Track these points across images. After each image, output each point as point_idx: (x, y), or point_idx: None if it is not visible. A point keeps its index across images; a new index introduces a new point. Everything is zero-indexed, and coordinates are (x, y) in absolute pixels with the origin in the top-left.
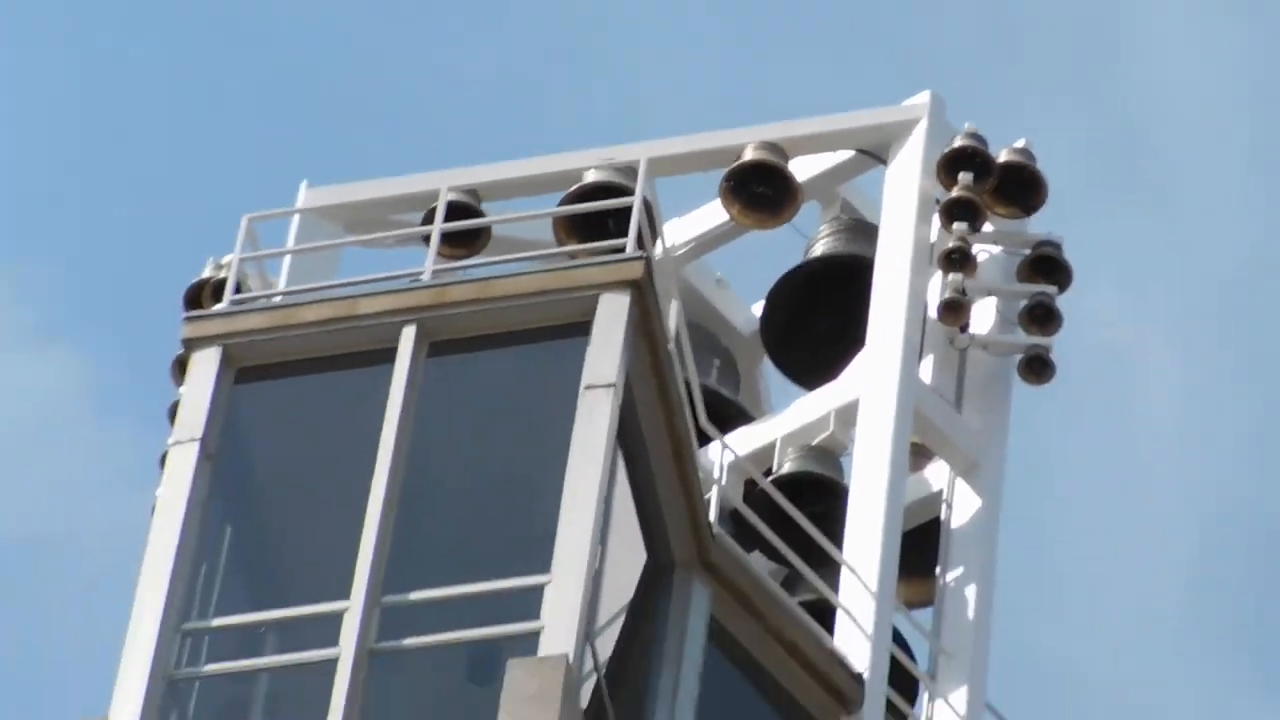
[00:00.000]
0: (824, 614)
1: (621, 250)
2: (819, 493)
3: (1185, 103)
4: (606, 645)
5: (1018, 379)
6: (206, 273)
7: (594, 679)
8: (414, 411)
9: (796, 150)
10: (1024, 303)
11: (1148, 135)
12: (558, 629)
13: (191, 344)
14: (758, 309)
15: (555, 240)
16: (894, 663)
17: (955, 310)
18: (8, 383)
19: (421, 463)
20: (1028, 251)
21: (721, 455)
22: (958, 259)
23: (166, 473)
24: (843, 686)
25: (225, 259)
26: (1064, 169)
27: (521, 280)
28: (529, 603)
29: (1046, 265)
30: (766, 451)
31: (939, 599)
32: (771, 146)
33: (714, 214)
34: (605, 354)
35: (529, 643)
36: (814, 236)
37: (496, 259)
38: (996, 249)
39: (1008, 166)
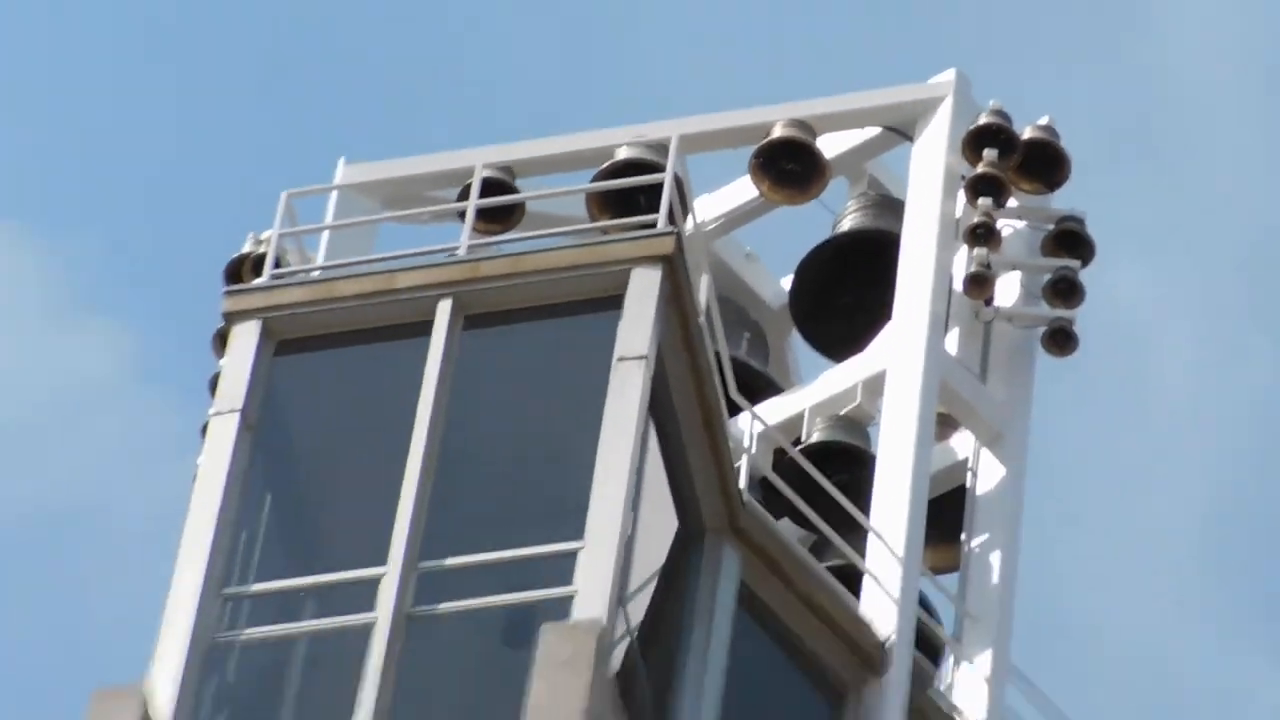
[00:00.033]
0: (851, 579)
1: (653, 226)
2: (846, 461)
3: (1207, 80)
4: (638, 610)
5: (1041, 351)
6: (246, 248)
7: (626, 643)
8: (450, 383)
9: (824, 127)
10: (1047, 277)
11: (1170, 112)
12: (591, 594)
13: (232, 317)
14: (786, 283)
15: (588, 216)
16: (920, 626)
17: (980, 284)
18: (53, 354)
19: (457, 432)
20: (1051, 227)
21: (751, 425)
22: (983, 234)
23: (208, 442)
24: (870, 650)
25: (265, 234)
26: (1087, 145)
27: (555, 255)
28: (563, 568)
29: (1070, 240)
30: (795, 421)
31: (964, 564)
32: (800, 124)
33: (743, 190)
34: (637, 327)
35: (563, 607)
36: (841, 212)
37: (530, 234)
38: (1021, 224)
39: (1031, 143)
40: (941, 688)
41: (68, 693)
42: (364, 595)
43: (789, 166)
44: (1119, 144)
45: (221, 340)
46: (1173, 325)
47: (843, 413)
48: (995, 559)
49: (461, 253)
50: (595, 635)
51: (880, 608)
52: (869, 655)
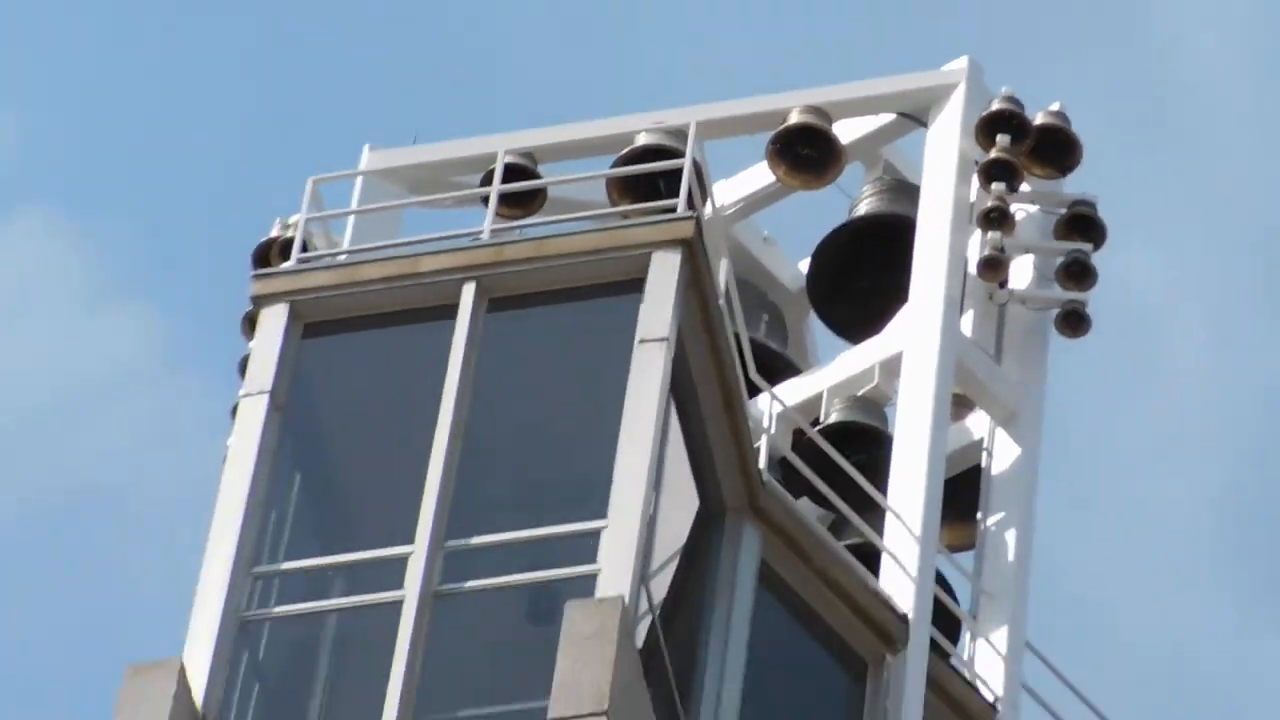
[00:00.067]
0: (869, 557)
1: (672, 210)
2: (864, 441)
3: (1217, 65)
4: (661, 587)
5: (1055, 333)
6: (274, 232)
7: (649, 619)
8: (474, 365)
9: (840, 113)
10: (1060, 259)
11: (1180, 97)
12: (614, 571)
13: (260, 300)
14: (804, 266)
15: (608, 201)
16: (937, 603)
17: (994, 267)
18: (86, 337)
19: (481, 414)
20: (1064, 210)
21: (770, 406)
22: (996, 218)
23: (237, 423)
24: (888, 626)
25: (292, 219)
26: (1098, 130)
27: (577, 239)
28: (586, 547)
29: (1082, 223)
30: (814, 402)
31: (980, 543)
32: (816, 110)
33: (761, 175)
34: (658, 309)
35: (586, 585)
36: (857, 196)
37: (552, 219)
38: (1033, 208)
39: (1044, 129)
40: (959, 664)
41: (102, 668)
42: (392, 573)
43: (805, 152)
44: (1130, 128)
45: (250, 323)
46: (1184, 307)
47: (860, 393)
48: (1011, 537)
49: (485, 237)
50: (619, 611)
51: (898, 585)
52: (888, 632)
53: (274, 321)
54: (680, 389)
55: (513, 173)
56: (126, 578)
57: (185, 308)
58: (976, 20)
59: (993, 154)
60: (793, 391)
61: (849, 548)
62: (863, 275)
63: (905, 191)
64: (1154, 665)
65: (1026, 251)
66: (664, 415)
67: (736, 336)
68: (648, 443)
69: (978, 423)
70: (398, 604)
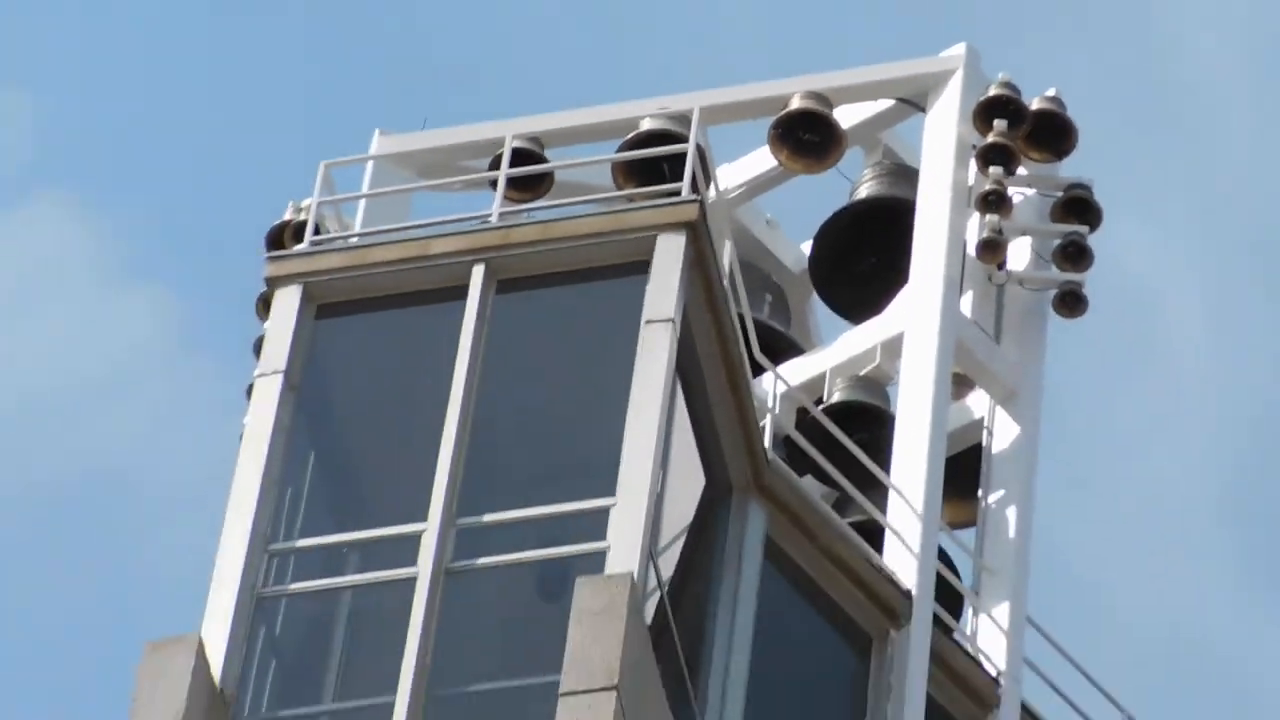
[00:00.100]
0: (873, 534)
1: (677, 194)
2: (867, 420)
3: (1211, 50)
4: (668, 564)
5: (1052, 313)
6: (287, 215)
7: (657, 595)
8: (484, 345)
9: (841, 99)
10: (1057, 241)
11: (1174, 80)
12: (623, 548)
13: (274, 282)
14: (806, 248)
15: (614, 185)
16: (939, 579)
17: (993, 249)
18: (103, 320)
19: (492, 393)
20: (1060, 193)
21: (774, 385)
22: (994, 201)
23: (252, 403)
24: (892, 602)
25: (305, 203)
26: (1094, 115)
27: (583, 222)
28: (595, 524)
29: (1078, 206)
30: (817, 382)
31: (981, 519)
32: (817, 96)
33: (763, 159)
34: (663, 291)
35: (596, 561)
36: (858, 180)
37: (559, 202)
38: (1031, 191)
39: (1040, 114)
40: (961, 638)
41: (122, 644)
42: (405, 550)
43: (807, 137)
44: (1125, 112)
45: (264, 304)
46: (1179, 287)
47: (862, 373)
48: (1011, 514)
49: (493, 220)
50: (628, 587)
51: (901, 561)
52: (891, 607)
53: (288, 303)
54: (686, 369)
55: (520, 157)
56: (145, 556)
57: (200, 290)
58: (974, 7)
59: (990, 138)
60: (796, 371)
61: (853, 525)
62: (864, 257)
63: (905, 175)
64: (1152, 641)
65: (1024, 234)
66: (670, 395)
67: (740, 317)
68: (654, 422)
69: (978, 401)
70: (411, 580)
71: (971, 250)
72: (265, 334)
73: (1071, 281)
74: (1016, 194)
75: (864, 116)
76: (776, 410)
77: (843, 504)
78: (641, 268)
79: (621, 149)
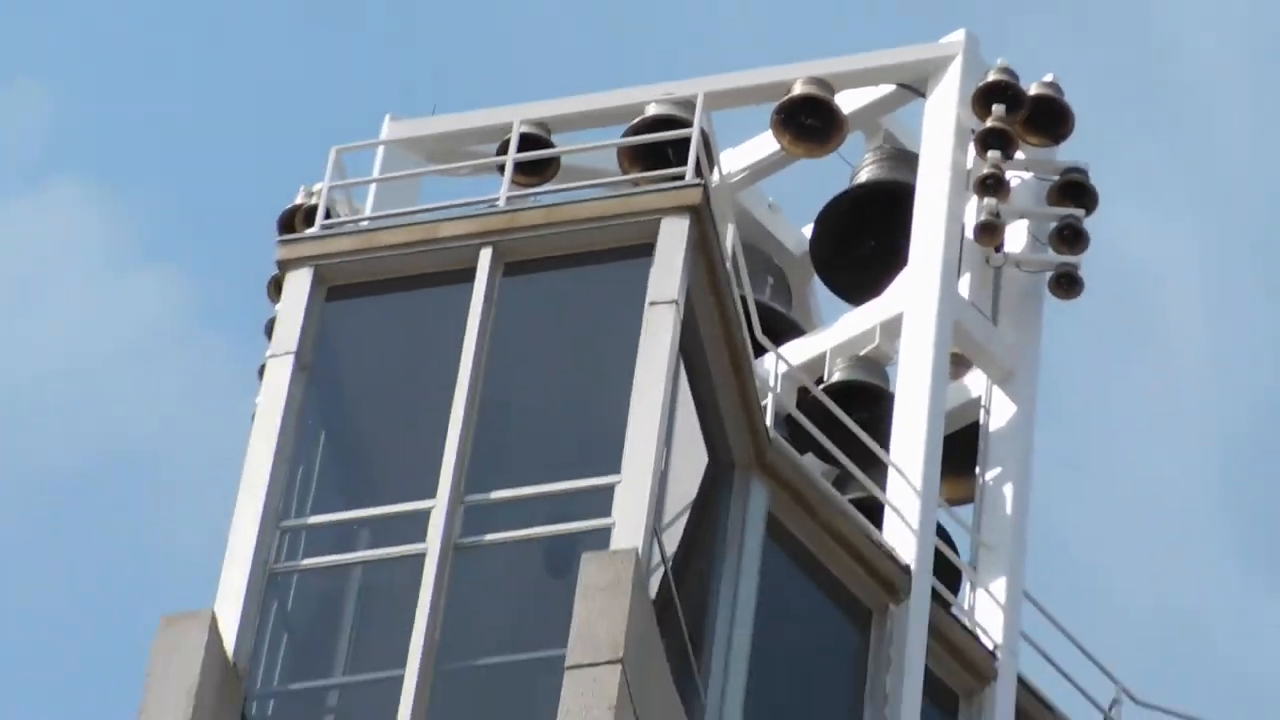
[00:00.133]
0: (873, 511)
1: (681, 178)
2: (867, 399)
3: (1208, 34)
4: (672, 540)
5: (1049, 295)
6: (299, 200)
7: (661, 570)
8: (491, 327)
9: (842, 84)
10: (1054, 224)
11: (1171, 65)
12: (627, 525)
13: (286, 265)
14: (807, 231)
15: (619, 169)
16: (938, 555)
17: (990, 231)
18: (118, 301)
19: (499, 374)
20: (1057, 177)
21: (776, 365)
22: (992, 184)
23: (264, 383)
24: (891, 577)
25: (316, 187)
26: (1090, 100)
27: (589, 206)
28: (601, 501)
29: (1074, 190)
30: (817, 362)
31: (979, 496)
32: (819, 81)
33: (766, 144)
34: (667, 273)
35: (601, 537)
36: (859, 164)
37: (565, 186)
38: (1028, 175)
39: (1037, 99)
40: (959, 613)
41: (138, 619)
42: (415, 527)
43: (809, 122)
44: (1121, 98)
45: (276, 286)
46: (1174, 269)
47: (862, 353)
48: (1008, 491)
49: (501, 204)
50: (632, 563)
51: (900, 537)
52: (890, 582)
53: (299, 285)
54: (689, 349)
55: (527, 142)
56: (159, 533)
57: (214, 272)
58: None
59: (988, 123)
60: (797, 351)
61: (853, 502)
62: (864, 240)
63: (905, 159)
64: (1146, 617)
65: (1021, 217)
66: (674, 375)
67: (743, 299)
68: (659, 401)
69: (975, 381)
70: (420, 556)
71: (970, 233)
72: (277, 316)
73: (1067, 264)
74: (1014, 178)
75: (865, 102)
76: (778, 390)
77: (843, 481)
78: (646, 250)
79: (626, 134)
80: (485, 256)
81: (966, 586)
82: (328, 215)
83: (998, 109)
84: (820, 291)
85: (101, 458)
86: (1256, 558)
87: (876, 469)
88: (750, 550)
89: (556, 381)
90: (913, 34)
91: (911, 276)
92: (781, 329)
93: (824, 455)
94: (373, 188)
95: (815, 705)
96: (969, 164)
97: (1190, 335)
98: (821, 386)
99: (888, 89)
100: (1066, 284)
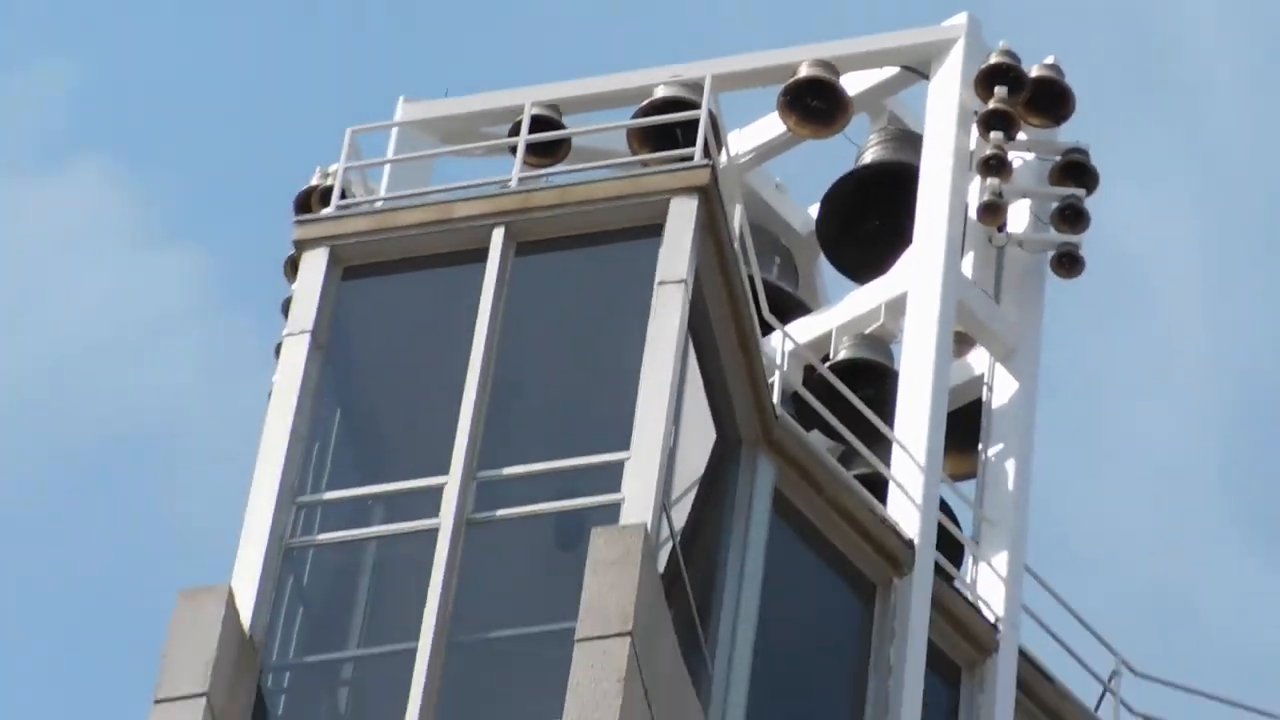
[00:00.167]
0: (877, 486)
1: (689, 159)
2: (871, 377)
3: (1208, 17)
4: (681, 515)
5: (1050, 273)
6: (314, 180)
7: (670, 545)
8: (503, 305)
9: (847, 67)
10: (1055, 204)
11: (1170, 47)
12: (637, 500)
13: (302, 245)
14: (814, 211)
15: (629, 150)
16: (941, 529)
17: (993, 211)
18: (140, 280)
19: (511, 352)
20: (1058, 158)
21: (783, 343)
22: (995, 165)
23: (281, 361)
24: (895, 551)
25: (331, 168)
26: (1091, 82)
27: (599, 186)
28: (610, 477)
29: (1075, 170)
30: (823, 340)
31: (981, 472)
32: (824, 64)
33: (773, 125)
34: (676, 252)
35: (611, 512)
36: (864, 145)
37: (576, 167)
38: (1030, 155)
39: (1039, 81)
40: (962, 586)
41: (156, 593)
42: (428, 502)
43: (814, 103)
44: (1122, 80)
45: (292, 266)
46: (1173, 247)
47: (867, 331)
48: (1010, 467)
49: (513, 184)
50: (641, 538)
51: (904, 512)
52: (894, 556)
53: (315, 264)
54: (698, 328)
55: (539, 124)
56: (179, 509)
57: (232, 252)
58: None
59: (991, 105)
60: (803, 330)
61: (858, 477)
62: (869, 220)
63: (909, 140)
64: (1145, 590)
65: (1023, 197)
66: (682, 353)
67: (750, 278)
68: (667, 379)
69: (978, 359)
70: (433, 531)
71: (973, 213)
72: (293, 295)
73: (1069, 243)
74: (1016, 158)
75: (869, 84)
76: (785, 367)
77: (848, 457)
78: (655, 230)
79: (636, 115)
80: (498, 236)
81: (969, 560)
82: (343, 196)
83: (1000, 91)
84: (826, 270)
85: (122, 435)
86: (1254, 531)
87: (881, 445)
88: (757, 525)
89: (567, 359)
90: (916, 17)
91: (916, 256)
92: (788, 308)
93: (830, 432)
94: (387, 168)
95: (820, 676)
96: (972, 145)
97: (1188, 313)
98: (827, 364)
99: (892, 71)
100: (1068, 264)
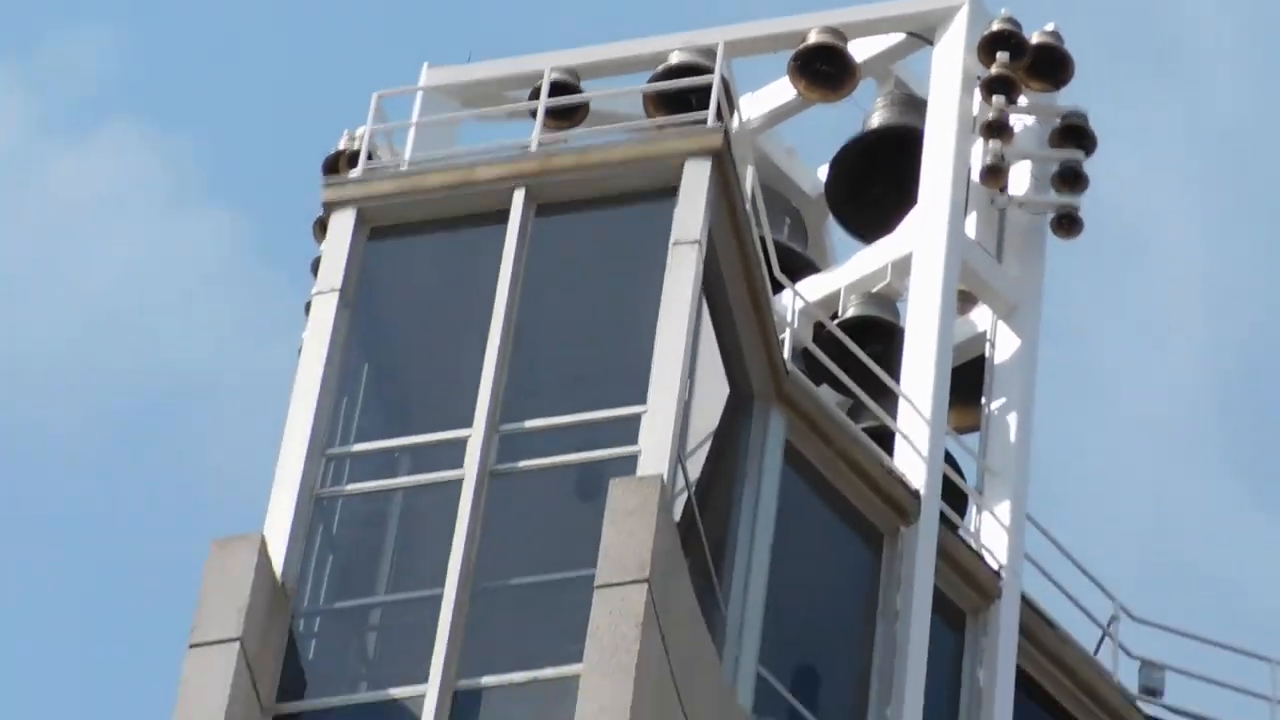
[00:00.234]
0: (884, 439)
1: (703, 123)
2: (879, 334)
3: None
4: (695, 466)
5: (1050, 234)
6: (342, 144)
7: (685, 495)
8: (524, 265)
9: (855, 33)
10: (1055, 167)
11: (1167, 14)
12: (653, 452)
13: (330, 206)
14: (823, 173)
15: (645, 114)
16: (946, 480)
17: (995, 174)
18: (176, 239)
19: (531, 309)
20: (1058, 121)
21: (793, 301)
22: (997, 128)
23: (310, 319)
24: (902, 501)
25: (358, 131)
26: (1089, 48)
27: (616, 149)
28: (628, 429)
29: (1075, 133)
30: (832, 298)
31: (984, 425)
32: (833, 30)
33: (783, 90)
34: (690, 213)
35: (628, 464)
36: (871, 109)
37: (594, 130)
38: (1030, 119)
39: (1040, 47)
40: (966, 535)
41: (191, 542)
42: (452, 454)
43: (823, 69)
44: (1119, 45)
45: (321, 227)
46: (1170, 208)
47: (874, 290)
48: (1012, 420)
49: (533, 148)
50: (658, 488)
51: (910, 464)
52: (901, 506)
53: (343, 225)
54: (711, 286)
55: (558, 88)
56: (213, 459)
57: (263, 213)
58: None
59: (993, 70)
60: (813, 288)
61: (866, 430)
62: (876, 182)
63: (914, 105)
64: (1144, 538)
65: (1024, 159)
66: (696, 310)
67: (762, 238)
68: (682, 335)
69: (981, 316)
70: (458, 482)
71: (975, 175)
72: (322, 254)
73: (1068, 204)
74: (1017, 122)
75: (876, 50)
76: (795, 325)
77: (856, 411)
78: (670, 192)
79: (652, 80)
80: (518, 198)
81: (973, 510)
82: (370, 158)
83: (1002, 56)
84: (835, 231)
85: (157, 391)
86: (1251, 480)
87: (888, 399)
88: (769, 476)
89: (585, 317)
90: None
91: (921, 217)
92: (798, 267)
93: (838, 386)
94: (412, 132)
95: (830, 622)
96: (975, 109)
97: (1184, 270)
98: (836, 321)
99: (898, 37)
100: (1067, 224)
